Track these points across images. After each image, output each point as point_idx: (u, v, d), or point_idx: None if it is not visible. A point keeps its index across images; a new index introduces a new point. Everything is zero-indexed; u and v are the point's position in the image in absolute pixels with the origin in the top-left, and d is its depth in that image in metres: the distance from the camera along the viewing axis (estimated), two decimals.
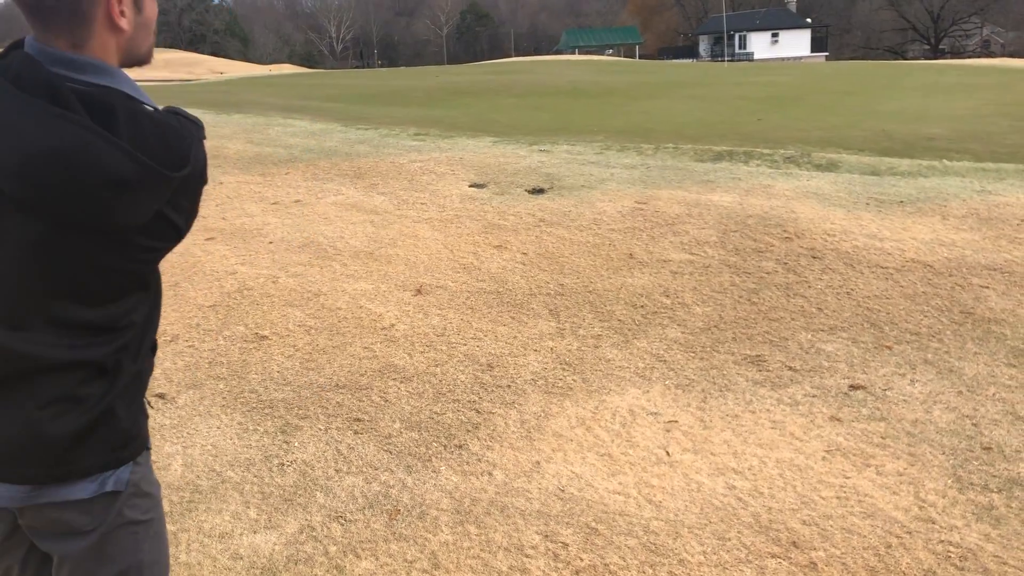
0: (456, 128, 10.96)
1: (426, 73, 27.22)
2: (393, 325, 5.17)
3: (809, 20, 78.11)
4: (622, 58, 63.96)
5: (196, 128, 1.59)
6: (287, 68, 46.25)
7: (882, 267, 5.95)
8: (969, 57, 64.68)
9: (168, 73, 49.64)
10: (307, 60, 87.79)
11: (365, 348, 4.89)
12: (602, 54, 72.43)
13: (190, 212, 1.59)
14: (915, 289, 5.66)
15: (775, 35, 74.63)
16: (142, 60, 1.62)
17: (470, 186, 8.01)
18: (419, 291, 5.55)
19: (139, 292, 1.57)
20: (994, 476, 3.70)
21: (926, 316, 5.32)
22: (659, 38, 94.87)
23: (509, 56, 74.27)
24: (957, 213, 6.99)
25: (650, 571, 3.10)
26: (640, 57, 73.47)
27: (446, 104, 13.21)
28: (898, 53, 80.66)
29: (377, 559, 3.16)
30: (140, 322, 1.58)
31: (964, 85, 17.17)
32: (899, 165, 8.39)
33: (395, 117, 11.34)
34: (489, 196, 7.62)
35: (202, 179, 1.58)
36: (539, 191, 7.43)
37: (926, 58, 70.96)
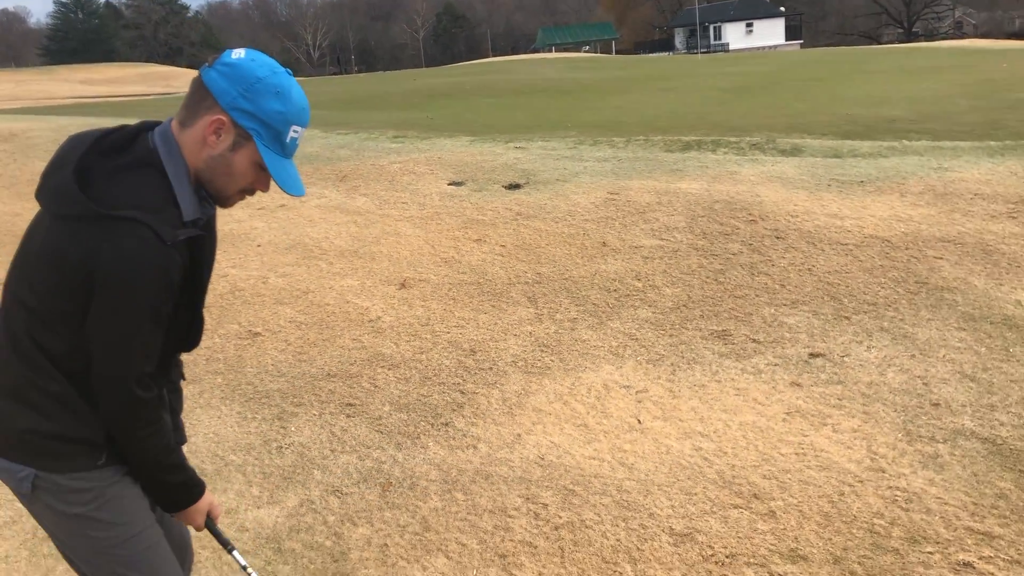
0: (434, 129, 11.24)
1: (404, 77, 27.44)
2: (379, 317, 5.44)
3: (783, 9, 78.61)
4: (598, 54, 64.33)
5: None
6: None
7: (842, 244, 6.27)
8: (942, 39, 65.36)
9: (145, 87, 49.65)
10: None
11: (354, 340, 5.16)
12: (579, 51, 72.82)
13: None
14: (873, 263, 5.97)
15: (750, 25, 75.08)
16: (215, 199, 1.89)
17: (449, 184, 8.29)
18: (403, 285, 5.82)
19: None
20: (940, 429, 4.01)
21: (883, 287, 5.63)
22: (635, 32, 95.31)
23: (487, 56, 74.54)
24: (914, 190, 7.32)
25: (623, 524, 3.39)
26: (616, 52, 73.89)
27: (425, 106, 13.48)
28: (872, 38, 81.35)
29: (372, 525, 3.43)
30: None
31: (930, 67, 17.56)
32: (860, 147, 8.72)
33: (375, 121, 11.60)
34: (467, 193, 7.90)
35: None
36: (515, 186, 7.71)
37: (900, 42, 71.62)
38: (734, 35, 74.40)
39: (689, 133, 9.54)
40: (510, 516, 3.47)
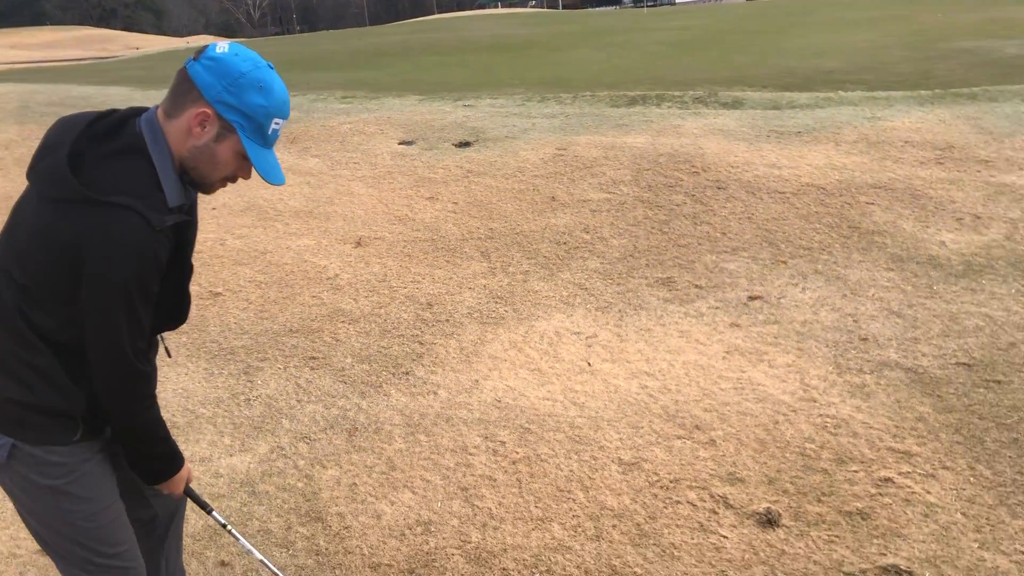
0: (382, 89, 11.27)
1: (348, 36, 27.10)
2: (337, 275, 5.61)
3: None
4: (545, 9, 63.91)
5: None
6: (206, 39, 45.25)
7: (780, 192, 6.56)
8: None
9: (81, 51, 48.23)
10: (225, 30, 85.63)
11: (313, 297, 5.32)
12: (525, 6, 72.20)
13: None
14: (809, 210, 6.27)
15: None
16: (198, 186, 2.00)
17: (399, 143, 8.40)
18: (359, 243, 5.98)
19: None
20: (868, 361, 4.33)
21: (818, 232, 5.94)
22: None
23: (432, 13, 73.56)
24: (849, 139, 7.63)
25: (575, 457, 3.65)
26: (563, 7, 73.39)
27: (371, 66, 13.46)
28: None
29: (341, 467, 3.64)
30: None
31: (868, 18, 17.92)
32: (798, 99, 9.01)
33: (322, 81, 11.60)
34: (418, 152, 8.04)
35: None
36: (465, 144, 7.86)
37: None
38: None
39: (634, 88, 9.74)
40: (470, 454, 3.71)
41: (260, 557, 2.50)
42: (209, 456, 3.74)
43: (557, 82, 10.60)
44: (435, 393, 4.22)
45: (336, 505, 3.40)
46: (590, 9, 58.62)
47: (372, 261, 5.76)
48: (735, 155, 7.29)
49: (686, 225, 6.12)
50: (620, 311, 4.99)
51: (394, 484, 3.52)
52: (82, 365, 1.91)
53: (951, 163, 7.04)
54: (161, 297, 1.93)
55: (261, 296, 5.37)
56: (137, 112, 1.92)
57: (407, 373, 4.43)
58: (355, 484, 3.53)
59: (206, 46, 1.90)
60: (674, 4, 63.42)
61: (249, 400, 4.20)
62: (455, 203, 6.61)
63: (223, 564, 3.11)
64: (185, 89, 1.87)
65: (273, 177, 1.94)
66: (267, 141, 1.93)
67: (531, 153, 7.49)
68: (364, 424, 3.98)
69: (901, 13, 18.78)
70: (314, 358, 4.60)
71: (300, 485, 3.53)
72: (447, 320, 4.99)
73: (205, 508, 2.39)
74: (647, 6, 56.31)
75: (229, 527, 2.43)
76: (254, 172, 1.98)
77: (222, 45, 1.89)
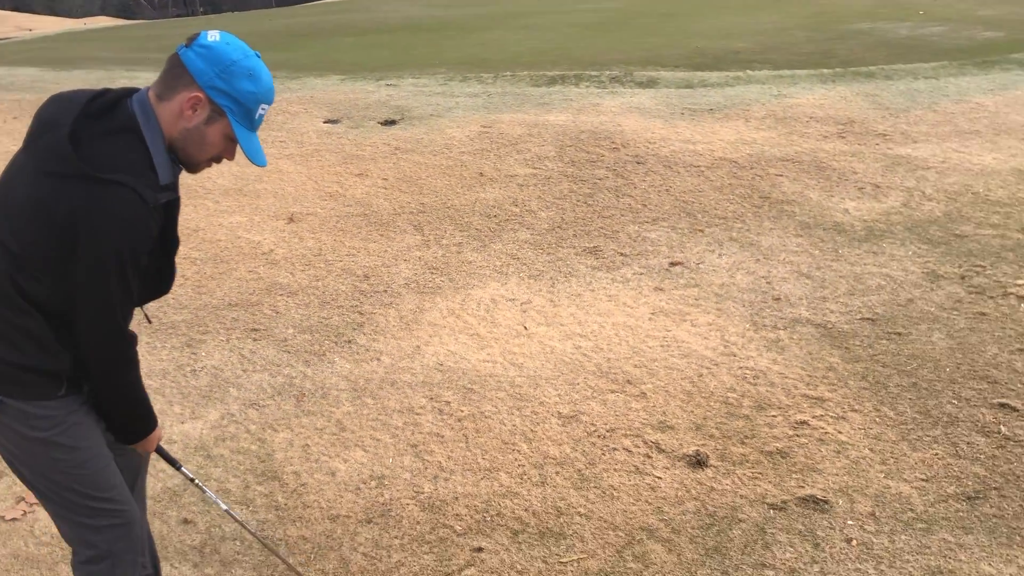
0: (302, 69, 11.23)
1: (257, 17, 26.60)
2: (272, 250, 5.68)
3: None
4: None
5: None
6: (103, 21, 43.60)
7: (695, 166, 6.89)
8: None
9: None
10: (124, 11, 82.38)
11: (250, 271, 5.40)
12: None
13: None
14: (723, 182, 6.62)
15: None
16: (186, 164, 2.10)
17: (324, 122, 8.45)
18: (291, 219, 6.06)
19: None
20: (781, 318, 4.66)
21: (731, 203, 6.28)
22: None
23: None
24: (757, 115, 8.03)
25: (517, 413, 3.87)
26: None
27: (287, 47, 13.34)
28: None
29: (292, 431, 3.78)
30: None
31: (772, 0, 18.56)
32: (709, 78, 9.39)
33: None
34: (344, 130, 8.10)
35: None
36: (391, 122, 7.97)
37: None
38: None
39: (552, 68, 9.98)
40: (417, 414, 3.89)
41: (225, 507, 2.64)
42: (160, 424, 3.81)
43: (477, 62, 10.76)
44: (378, 359, 4.38)
45: (291, 465, 3.54)
46: None
47: (306, 236, 5.86)
48: (652, 132, 7.59)
49: (609, 198, 6.39)
50: (551, 278, 5.23)
51: (345, 444, 3.68)
52: (67, 329, 2.02)
53: (852, 137, 7.50)
54: (149, 268, 2.06)
55: (197, 272, 5.41)
56: (128, 93, 2.02)
57: (349, 342, 4.57)
58: (307, 445, 3.68)
59: (197, 34, 2.01)
60: None
61: (195, 371, 4.29)
62: (385, 179, 6.73)
63: (186, 522, 3.23)
64: (178, 74, 1.98)
65: (258, 158, 2.08)
66: (253, 125, 2.06)
67: (457, 131, 7.66)
68: (311, 390, 4.11)
69: None
70: (256, 330, 4.70)
71: (254, 448, 3.66)
72: (385, 291, 5.13)
73: (174, 464, 2.52)
74: None
75: (197, 481, 2.57)
76: (237, 153, 2.11)
77: (213, 34, 2.01)
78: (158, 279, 2.19)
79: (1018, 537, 3.01)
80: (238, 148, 2.10)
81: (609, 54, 11.15)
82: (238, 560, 3.02)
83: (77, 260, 1.92)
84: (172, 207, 2.10)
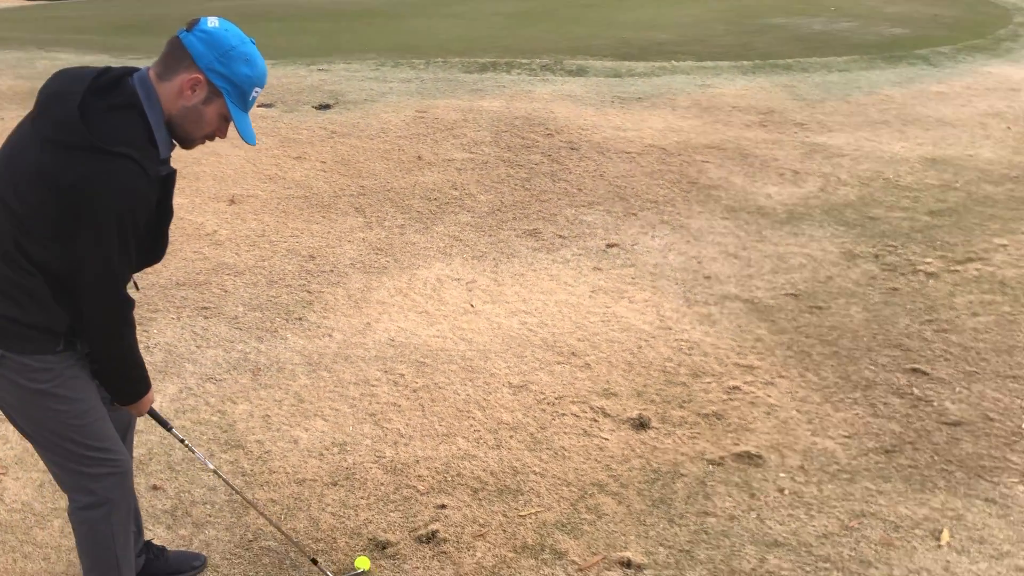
0: None
1: (171, 1, 25.96)
2: (216, 231, 5.72)
3: None
4: None
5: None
6: (6, 2, 41.86)
7: (627, 152, 7.16)
8: None
9: None
10: None
11: (195, 252, 5.43)
12: None
13: None
14: (653, 168, 6.91)
15: None
16: (181, 140, 2.22)
17: (259, 106, 8.43)
18: (232, 201, 6.09)
19: None
20: (712, 295, 4.96)
21: (662, 188, 6.57)
22: None
23: None
24: (683, 104, 8.36)
25: (470, 383, 4.05)
26: None
27: None
28: None
29: (251, 403, 3.89)
30: None
31: None
32: (636, 67, 9.71)
33: (161, 46, 11.30)
34: (279, 114, 8.12)
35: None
36: (325, 107, 8.03)
37: None
38: None
39: (483, 56, 10.15)
40: (373, 386, 4.04)
41: (213, 468, 2.77)
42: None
43: (408, 49, 10.85)
44: (330, 335, 4.51)
45: (253, 434, 3.66)
46: None
47: (248, 218, 5.91)
48: (584, 119, 7.85)
49: (546, 182, 6.61)
50: (494, 259, 5.42)
51: (305, 414, 3.81)
52: (65, 290, 2.13)
53: (772, 126, 7.90)
54: (146, 237, 2.18)
55: None
56: (129, 72, 2.14)
57: (300, 319, 4.67)
58: (268, 416, 3.79)
59: (198, 19, 2.14)
60: None
61: (148, 348, 4.33)
62: (323, 162, 6.81)
63: (155, 488, 3.32)
64: (179, 56, 2.10)
65: (250, 137, 2.23)
66: (247, 106, 2.20)
67: (392, 115, 7.77)
68: (266, 364, 4.22)
69: None
70: (206, 308, 4.76)
71: (215, 419, 3.75)
72: (331, 271, 5.25)
73: (166, 426, 2.65)
74: None
75: (186, 441, 2.69)
76: (230, 131, 2.25)
77: (212, 20, 2.14)
78: (153, 247, 2.30)
79: (930, 484, 3.34)
80: (230, 127, 2.23)
81: (538, 43, 11.37)
82: (210, 522, 3.14)
83: (81, 226, 2.03)
84: (169, 180, 2.22)
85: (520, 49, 10.69)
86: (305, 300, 4.88)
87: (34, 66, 10.66)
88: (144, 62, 9.15)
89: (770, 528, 3.10)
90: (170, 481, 3.35)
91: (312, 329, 4.57)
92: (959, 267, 5.27)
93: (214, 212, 6.00)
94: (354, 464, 3.47)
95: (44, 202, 2.03)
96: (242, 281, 5.09)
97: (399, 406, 3.87)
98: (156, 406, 3.83)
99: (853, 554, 2.97)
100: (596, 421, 3.78)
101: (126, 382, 2.34)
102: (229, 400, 3.91)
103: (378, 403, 3.89)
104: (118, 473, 2.36)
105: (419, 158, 6.94)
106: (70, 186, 2.00)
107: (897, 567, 2.91)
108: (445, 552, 3.01)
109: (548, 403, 3.90)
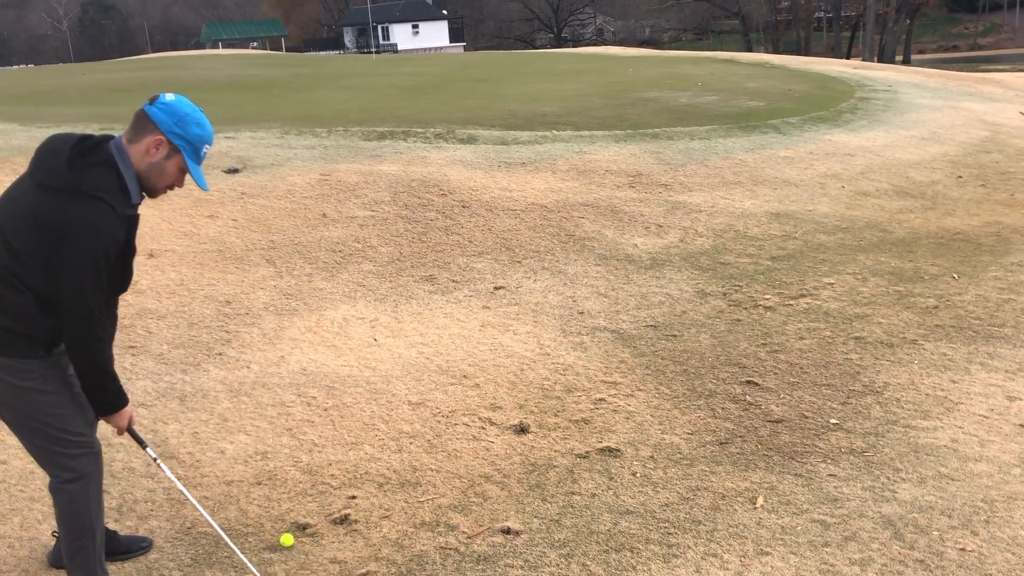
0: (127, 121, 11.53)
1: (68, 72, 26.01)
2: (136, 282, 6.20)
3: (445, 12, 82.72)
4: (270, 51, 63.70)
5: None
6: None
7: (512, 210, 7.98)
8: (586, 44, 72.82)
9: None
10: None
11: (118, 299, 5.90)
12: (246, 47, 71.40)
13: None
14: (535, 222, 7.74)
15: (415, 26, 78.12)
16: (148, 191, 2.83)
17: None
18: (151, 255, 6.59)
19: None
20: (584, 327, 5.73)
21: (543, 239, 7.39)
22: (302, 30, 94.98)
23: (144, 51, 70.59)
24: (563, 168, 9.29)
25: (374, 402, 4.68)
26: (287, 50, 73.44)
27: (112, 101, 13.53)
28: (527, 42, 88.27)
29: (180, 423, 4.41)
30: None
31: (573, 71, 20.46)
32: (521, 136, 10.64)
33: (66, 115, 11.64)
34: (190, 177, 8.62)
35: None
36: (234, 171, 8.60)
37: (552, 46, 78.57)
38: (401, 36, 76.93)
39: (381, 125, 10.91)
40: (288, 406, 4.62)
41: (181, 488, 3.30)
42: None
43: (309, 118, 11.52)
44: (248, 367, 5.07)
45: (184, 448, 4.19)
46: (313, 53, 59.21)
47: (167, 269, 6.42)
48: (475, 181, 8.66)
49: (440, 236, 7.34)
50: (395, 301, 6.09)
51: (229, 431, 4.36)
52: (50, 306, 2.72)
53: (640, 186, 8.88)
54: (114, 269, 2.79)
55: None
56: (107, 139, 2.78)
57: (220, 354, 5.22)
58: (196, 432, 4.32)
59: (158, 95, 2.81)
60: (396, 52, 65.76)
61: None
62: (235, 220, 7.38)
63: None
64: (144, 123, 2.76)
65: (203, 184, 2.89)
66: (199, 159, 2.87)
67: (298, 178, 8.41)
68: (192, 392, 4.75)
69: (599, 68, 21.57)
70: (133, 347, 5.25)
71: (149, 437, 4.26)
72: (246, 313, 5.81)
73: (141, 444, 3.19)
74: (375, 52, 57.99)
75: (158, 460, 3.23)
76: (187, 181, 2.90)
77: (169, 95, 2.82)
78: (121, 278, 2.90)
79: (753, 465, 4.13)
80: (187, 178, 2.89)
81: (432, 113, 12.23)
82: (153, 514, 3.65)
83: (62, 257, 2.64)
84: (134, 220, 2.85)
85: (416, 119, 11.51)
86: (224, 339, 5.43)
87: None
88: (52, 129, 9.52)
89: (623, 501, 3.82)
90: (113, 486, 3.85)
91: (232, 362, 5.12)
92: (792, 301, 6.22)
93: (134, 265, 6.47)
94: (275, 468, 4.04)
95: (34, 237, 2.64)
96: (164, 324, 5.60)
97: (312, 422, 4.46)
98: None
99: (688, 516, 3.71)
100: (484, 428, 4.45)
101: (103, 391, 2.88)
102: (160, 421, 4.42)
103: (294, 420, 4.48)
104: (92, 454, 2.92)
105: (324, 216, 7.59)
106: (56, 224, 2.61)
107: (721, 524, 3.66)
108: (357, 530, 3.60)
109: (443, 416, 4.56)
